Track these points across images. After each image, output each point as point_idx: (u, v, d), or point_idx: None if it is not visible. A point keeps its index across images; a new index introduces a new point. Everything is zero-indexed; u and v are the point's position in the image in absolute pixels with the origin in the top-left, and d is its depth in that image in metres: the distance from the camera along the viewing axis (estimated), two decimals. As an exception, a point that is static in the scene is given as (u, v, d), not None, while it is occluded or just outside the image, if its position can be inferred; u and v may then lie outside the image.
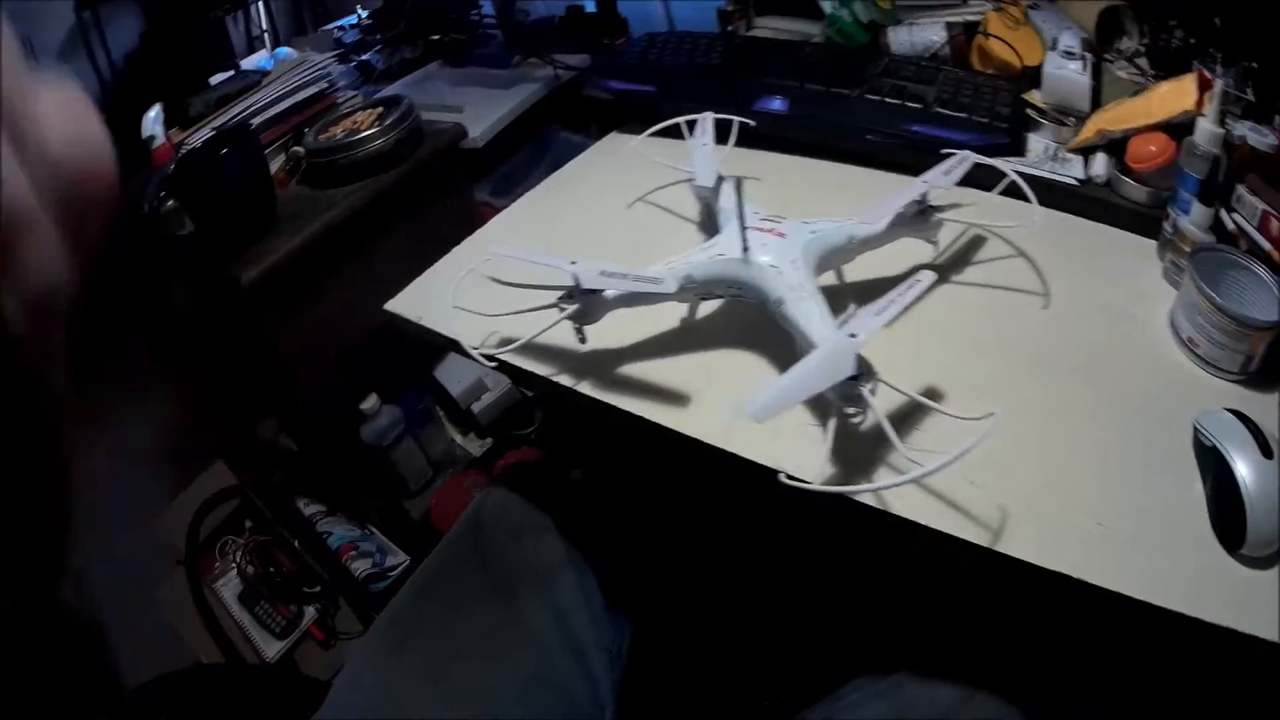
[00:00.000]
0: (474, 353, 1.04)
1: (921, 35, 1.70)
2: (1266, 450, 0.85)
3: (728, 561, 1.42)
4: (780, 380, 0.82)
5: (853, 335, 0.85)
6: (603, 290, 0.97)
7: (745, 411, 0.80)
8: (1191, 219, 1.17)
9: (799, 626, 1.38)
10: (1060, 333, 1.14)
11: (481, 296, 1.16)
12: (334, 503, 2.13)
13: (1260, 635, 0.76)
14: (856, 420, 0.85)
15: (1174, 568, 0.83)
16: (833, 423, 0.84)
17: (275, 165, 1.85)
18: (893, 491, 0.89)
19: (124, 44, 2.08)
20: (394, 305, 1.27)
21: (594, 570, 1.35)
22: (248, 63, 2.15)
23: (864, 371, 0.84)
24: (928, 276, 0.94)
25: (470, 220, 2.08)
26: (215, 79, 1.96)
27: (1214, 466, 0.88)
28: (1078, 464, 0.95)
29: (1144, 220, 1.32)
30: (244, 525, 2.15)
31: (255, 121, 1.84)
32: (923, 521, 0.86)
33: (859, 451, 0.90)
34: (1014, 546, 0.84)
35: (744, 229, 1.01)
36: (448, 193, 2.04)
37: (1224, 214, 1.18)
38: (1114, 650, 1.10)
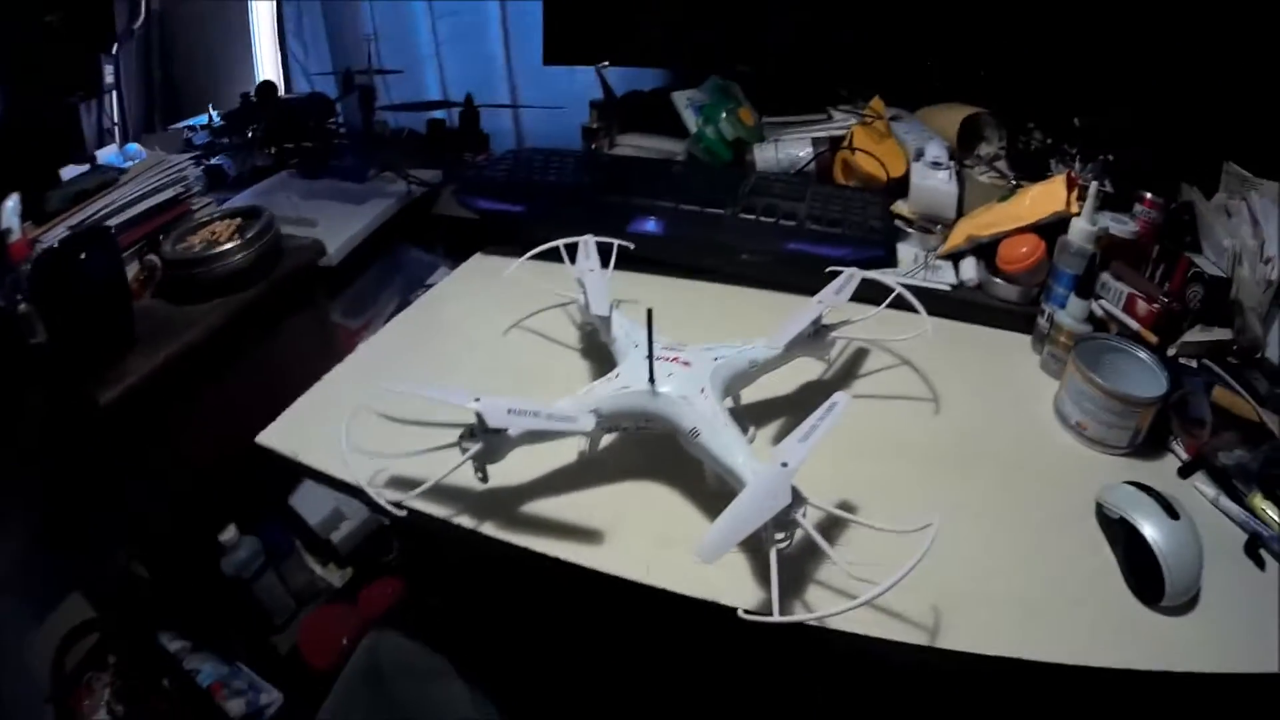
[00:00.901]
0: (383, 501, 0.94)
1: (787, 151, 1.72)
2: (1172, 512, 0.93)
3: (622, 671, 1.38)
4: (723, 519, 0.79)
5: (784, 465, 0.83)
6: (506, 428, 0.92)
7: (695, 555, 0.77)
8: (1069, 312, 1.22)
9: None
10: (956, 433, 1.17)
11: (365, 433, 1.08)
12: (199, 638, 2.00)
13: (1195, 670, 0.86)
14: (784, 545, 0.83)
15: (1105, 631, 0.90)
16: (774, 554, 0.82)
17: (130, 274, 1.70)
18: (832, 606, 0.86)
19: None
20: (267, 439, 1.17)
21: (495, 701, 1.30)
22: (98, 157, 2.03)
23: (796, 498, 0.83)
24: (843, 399, 0.93)
25: (326, 342, 2.00)
26: (67, 171, 1.84)
27: (1123, 535, 0.95)
28: (995, 554, 0.98)
29: (1015, 317, 1.38)
30: (108, 661, 2.01)
31: (113, 223, 1.71)
32: (865, 633, 0.86)
33: (786, 573, 0.86)
34: (952, 640, 0.87)
35: (651, 360, 0.98)
36: (304, 313, 1.94)
37: (1090, 302, 1.23)
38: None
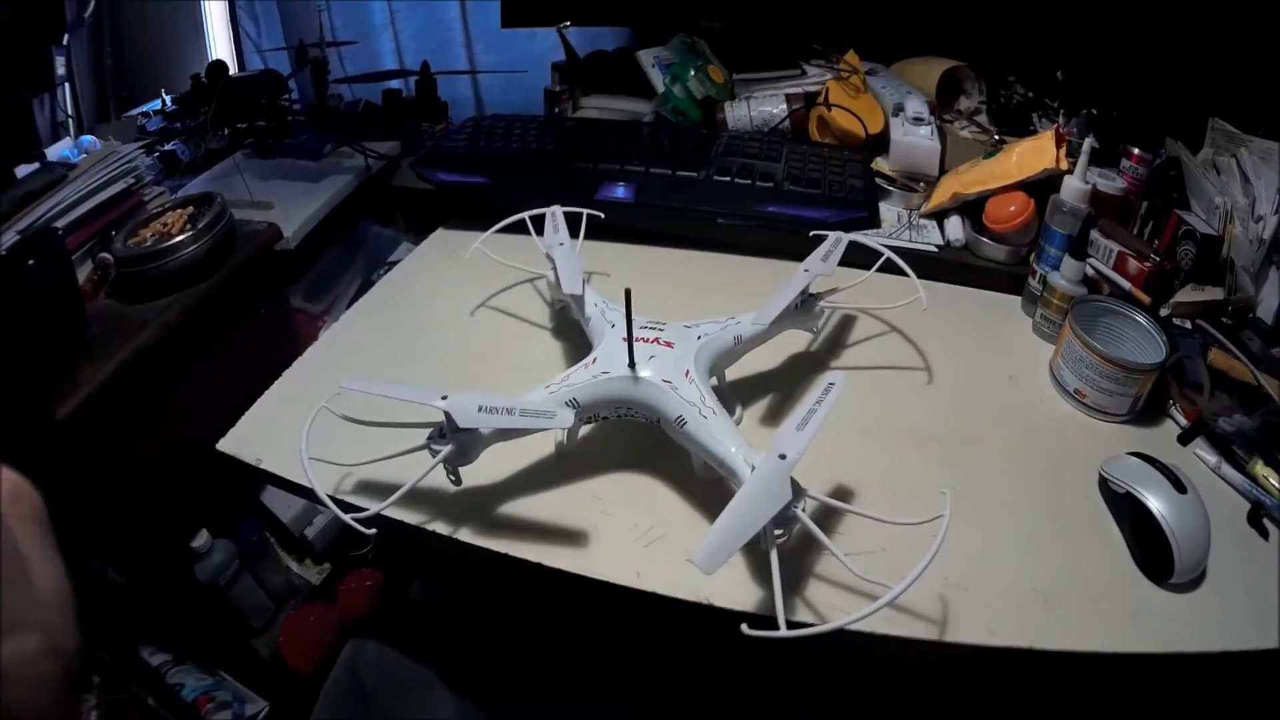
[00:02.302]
0: (348, 518, 0.85)
1: (759, 109, 1.66)
2: (1179, 486, 0.89)
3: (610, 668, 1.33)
4: (721, 523, 0.72)
5: (782, 456, 0.77)
6: (477, 427, 0.85)
7: (693, 562, 0.70)
8: (1063, 274, 1.18)
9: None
10: (950, 405, 1.12)
11: (328, 433, 0.99)
12: (179, 649, 1.95)
13: (1208, 650, 0.83)
14: (783, 540, 0.77)
15: (1115, 613, 0.87)
16: (774, 555, 0.75)
17: (83, 274, 1.63)
18: (832, 606, 0.84)
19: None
20: (228, 446, 1.09)
21: (482, 710, 1.24)
22: (52, 152, 1.96)
23: (796, 491, 0.77)
24: (841, 380, 0.87)
25: (288, 332, 1.93)
26: (22, 169, 1.75)
27: (1130, 510, 0.91)
28: (998, 536, 0.94)
29: (1003, 278, 1.34)
30: (92, 681, 1.96)
31: (61, 224, 1.62)
32: (871, 630, 0.80)
33: (783, 568, 0.78)
34: (960, 633, 0.83)
35: (631, 343, 0.91)
36: (264, 301, 1.86)
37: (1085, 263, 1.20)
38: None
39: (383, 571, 2.02)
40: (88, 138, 2.06)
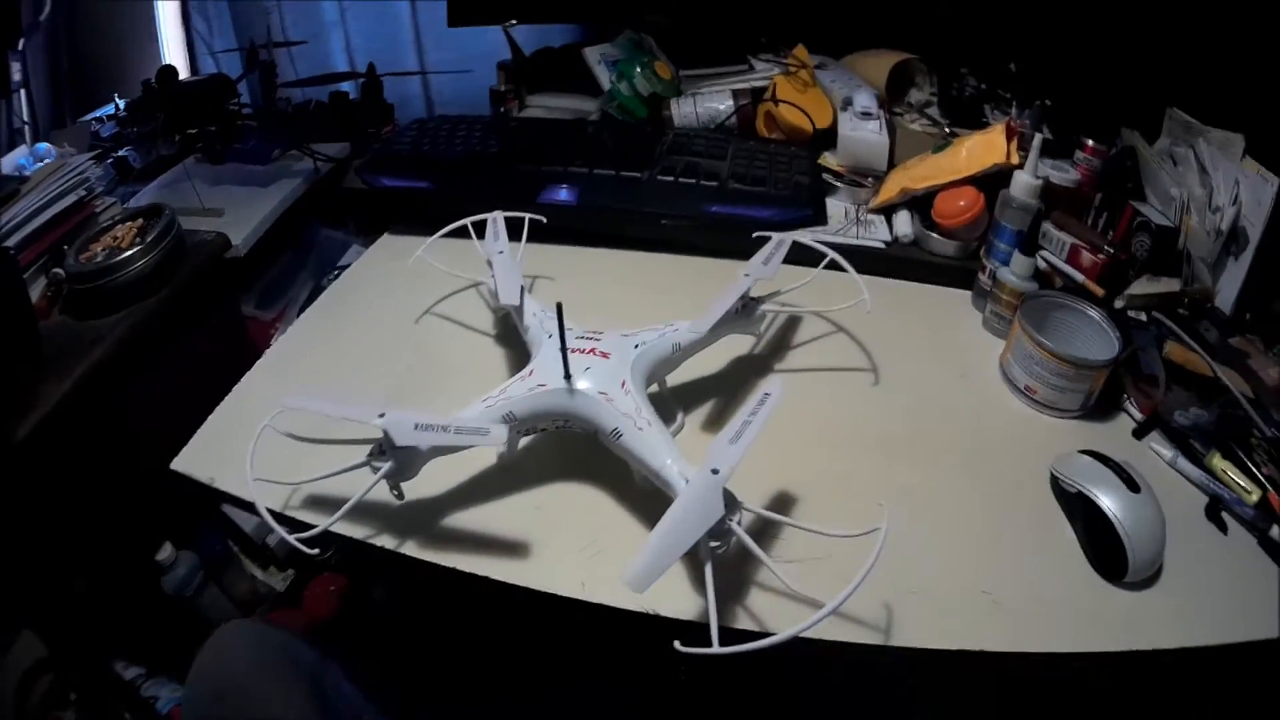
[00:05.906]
0: (292, 539, 0.85)
1: (706, 105, 1.66)
2: (1132, 485, 0.89)
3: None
4: (652, 540, 0.72)
5: (715, 471, 0.76)
6: (415, 444, 0.85)
7: (624, 581, 0.69)
8: (1013, 270, 1.17)
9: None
10: (898, 405, 1.12)
11: (278, 448, 1.02)
12: (152, 662, 1.94)
13: (1163, 647, 0.83)
14: (721, 551, 0.77)
15: (1068, 612, 0.86)
16: (709, 571, 0.75)
17: (36, 291, 1.59)
18: (775, 613, 0.83)
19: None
20: (182, 465, 1.10)
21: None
22: (7, 162, 1.92)
23: (730, 504, 0.77)
24: (777, 390, 0.87)
25: (241, 341, 1.91)
26: None
27: (1082, 509, 0.91)
28: (949, 538, 0.93)
29: (953, 272, 1.33)
30: (69, 699, 1.94)
31: (16, 239, 1.60)
32: (815, 637, 0.78)
33: (725, 579, 0.80)
34: (907, 637, 0.82)
35: (566, 356, 0.90)
36: (215, 311, 1.84)
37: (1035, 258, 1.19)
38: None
39: (347, 575, 2.02)
40: (43, 145, 2.02)
